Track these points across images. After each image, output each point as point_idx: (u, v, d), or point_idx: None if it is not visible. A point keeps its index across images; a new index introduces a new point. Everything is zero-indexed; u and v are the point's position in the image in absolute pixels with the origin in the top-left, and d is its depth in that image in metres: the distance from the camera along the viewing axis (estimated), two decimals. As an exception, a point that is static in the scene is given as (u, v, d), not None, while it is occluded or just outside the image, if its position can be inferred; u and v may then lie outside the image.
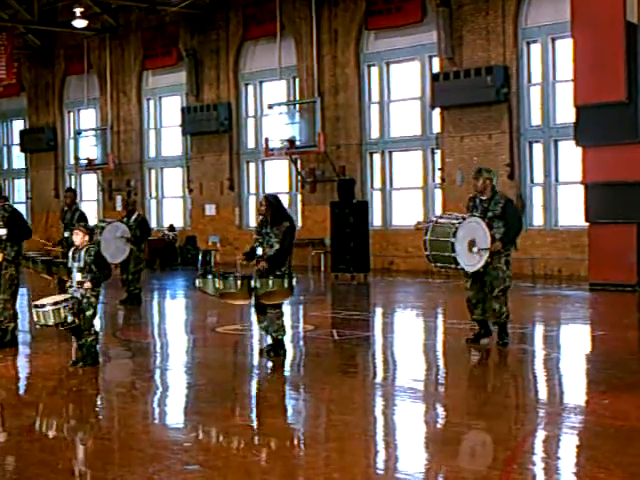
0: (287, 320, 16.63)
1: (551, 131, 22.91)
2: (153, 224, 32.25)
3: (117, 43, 32.74)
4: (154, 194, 32.71)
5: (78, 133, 34.54)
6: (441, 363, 11.94)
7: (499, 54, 23.07)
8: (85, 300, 10.98)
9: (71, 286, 11.12)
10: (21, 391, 10.45)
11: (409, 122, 25.73)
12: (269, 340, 11.90)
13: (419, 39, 24.96)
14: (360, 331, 14.44)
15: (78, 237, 11.20)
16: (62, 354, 12.27)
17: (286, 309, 18.11)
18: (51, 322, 10.99)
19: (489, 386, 10.21)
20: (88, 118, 34.98)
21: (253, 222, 29.24)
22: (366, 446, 7.83)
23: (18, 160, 38.50)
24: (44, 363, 11.98)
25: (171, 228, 29.69)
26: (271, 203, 11.59)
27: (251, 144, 29.28)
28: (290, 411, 9.35)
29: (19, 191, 38.12)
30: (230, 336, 13.99)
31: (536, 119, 23.27)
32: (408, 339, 11.95)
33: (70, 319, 10.92)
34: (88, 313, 11.02)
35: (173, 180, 32.11)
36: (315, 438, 8.20)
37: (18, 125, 38.23)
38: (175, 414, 9.48)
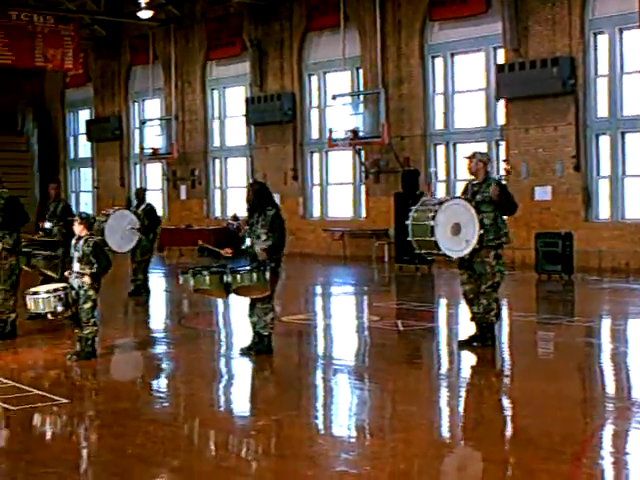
0: (350, 311, 16.78)
1: (618, 123, 22.61)
2: (217, 213, 32.48)
3: (182, 34, 32.91)
4: (218, 184, 32.86)
5: (143, 123, 34.80)
6: (506, 355, 11.86)
7: (565, 45, 22.81)
8: (82, 292, 10.95)
9: (74, 274, 11.04)
10: (87, 376, 10.56)
11: (474, 113, 25.57)
12: (254, 337, 11.42)
13: (484, 30, 24.75)
14: (425, 322, 14.40)
15: (77, 227, 11.19)
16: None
17: (343, 300, 18.31)
18: (41, 310, 11.06)
19: (556, 380, 10.12)
20: (153, 108, 35.22)
21: (317, 212, 29.29)
22: (432, 437, 7.82)
23: (84, 149, 38.90)
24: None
25: (235, 217, 29.78)
26: (255, 190, 11.27)
27: (315, 135, 29.28)
28: (355, 401, 9.35)
29: (85, 180, 38.50)
30: (295, 325, 14.01)
31: (603, 111, 22.97)
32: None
33: (60, 309, 10.93)
34: (86, 306, 10.94)
35: (237, 170, 32.22)
36: (380, 428, 8.21)
37: (84, 115, 38.61)
38: (241, 402, 9.54)
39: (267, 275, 10.77)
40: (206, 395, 9.61)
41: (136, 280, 17.82)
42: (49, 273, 13.94)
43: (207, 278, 10.88)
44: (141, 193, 18.64)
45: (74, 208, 27.75)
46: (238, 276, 10.77)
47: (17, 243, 12.70)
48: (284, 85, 29.39)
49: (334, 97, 27.40)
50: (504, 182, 22.19)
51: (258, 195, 11.22)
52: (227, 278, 10.82)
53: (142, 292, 17.83)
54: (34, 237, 15.67)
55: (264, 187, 11.48)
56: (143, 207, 17.96)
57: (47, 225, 16.19)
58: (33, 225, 18.35)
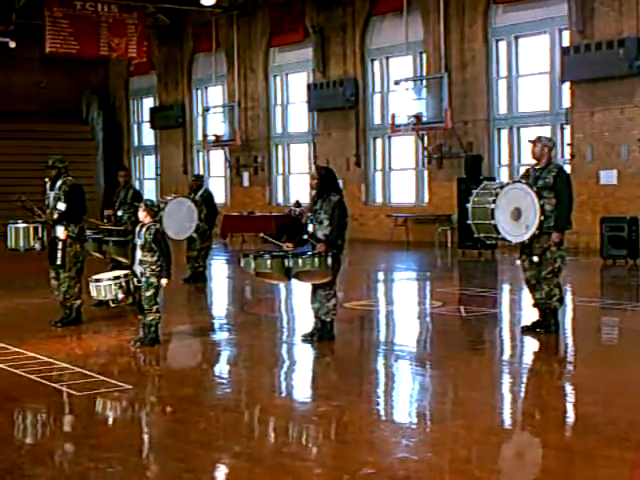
0: (413, 297, 16.74)
1: (686, 105, 22.26)
2: (279, 200, 32.55)
3: (245, 20, 32.99)
4: (281, 170, 32.93)
5: (206, 110, 34.96)
6: (570, 341, 11.74)
7: (632, 26, 22.44)
8: (144, 279, 11.02)
9: (141, 262, 11.09)
10: (151, 362, 10.65)
11: (538, 97, 25.31)
12: (315, 323, 11.43)
13: (549, 12, 24.47)
14: (487, 308, 14.32)
15: (141, 214, 11.25)
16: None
17: (406, 286, 18.26)
18: (103, 297, 11.18)
19: (620, 366, 10.01)
20: (216, 95, 35.37)
21: (379, 198, 29.24)
22: (493, 424, 7.77)
23: (148, 137, 39.20)
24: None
25: (297, 204, 29.84)
26: (321, 175, 11.20)
27: (377, 120, 29.20)
28: (416, 387, 9.33)
29: (149, 167, 38.82)
30: (357, 311, 14.01)
31: (671, 93, 22.64)
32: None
33: (120, 296, 11.03)
34: (148, 293, 11.00)
35: (300, 156, 32.26)
36: (442, 415, 8.18)
37: (148, 102, 38.90)
38: (302, 388, 9.56)
39: (329, 261, 10.77)
40: (267, 381, 9.65)
41: (198, 267, 17.79)
42: (120, 259, 14.09)
43: (268, 262, 10.90)
44: (198, 180, 18.61)
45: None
46: (300, 260, 10.79)
47: (82, 231, 12.85)
48: (346, 71, 29.34)
49: (397, 82, 27.28)
50: (567, 167, 22.04)
51: (324, 180, 11.18)
52: (289, 262, 10.84)
53: (200, 280, 17.80)
54: (105, 224, 15.79)
55: (330, 172, 11.40)
56: (200, 194, 17.87)
57: (119, 213, 16.30)
58: (99, 213, 18.56)
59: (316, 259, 10.75)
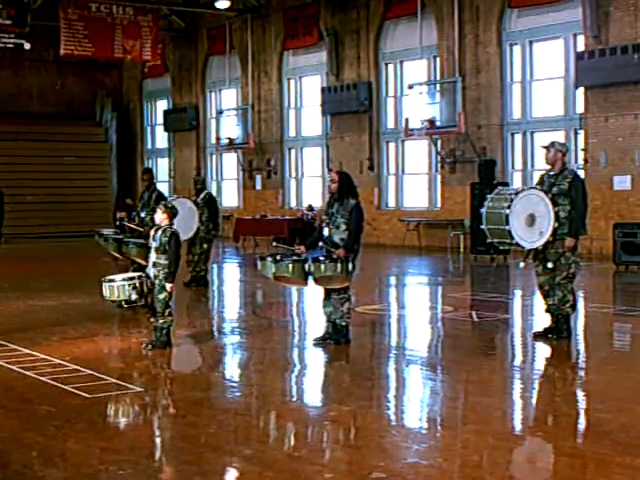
0: (424, 301, 16.72)
1: (701, 111, 22.20)
2: (292, 204, 32.56)
3: (259, 23, 33.03)
4: (294, 173, 32.95)
5: (220, 113, 35.02)
6: (582, 347, 11.70)
7: (647, 31, 22.43)
8: (157, 282, 11.01)
9: (155, 264, 11.10)
10: (162, 365, 10.66)
11: (552, 102, 25.27)
12: (327, 327, 11.45)
13: (563, 17, 24.44)
14: (499, 313, 14.28)
15: (158, 216, 11.23)
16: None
17: (418, 290, 18.24)
18: (116, 298, 11.17)
19: (633, 373, 9.96)
20: (229, 98, 35.42)
21: (392, 202, 29.21)
22: (504, 429, 7.75)
23: (161, 139, 39.27)
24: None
25: (310, 208, 29.86)
26: (341, 179, 11.18)
27: (391, 124, 29.20)
28: (428, 392, 9.31)
29: (163, 170, 38.87)
30: (369, 316, 14.00)
31: (686, 99, 22.57)
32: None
33: (134, 297, 11.03)
34: (161, 295, 10.99)
35: (313, 159, 32.27)
36: (453, 420, 8.16)
37: (162, 105, 38.98)
38: (313, 392, 9.55)
39: (350, 267, 10.82)
40: (279, 385, 9.64)
41: (200, 271, 17.64)
42: (140, 261, 14.06)
43: (290, 266, 10.91)
44: (200, 182, 18.47)
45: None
46: (322, 266, 10.81)
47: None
48: (360, 74, 29.34)
49: (411, 86, 27.27)
50: (580, 172, 21.97)
51: (342, 184, 11.19)
52: (310, 267, 10.85)
53: (202, 283, 17.70)
54: (130, 224, 15.73)
55: (348, 177, 11.41)
56: (202, 196, 17.75)
57: (142, 214, 16.26)
58: (112, 215, 18.62)
59: (338, 265, 10.76)
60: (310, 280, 10.99)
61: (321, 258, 10.84)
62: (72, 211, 36.06)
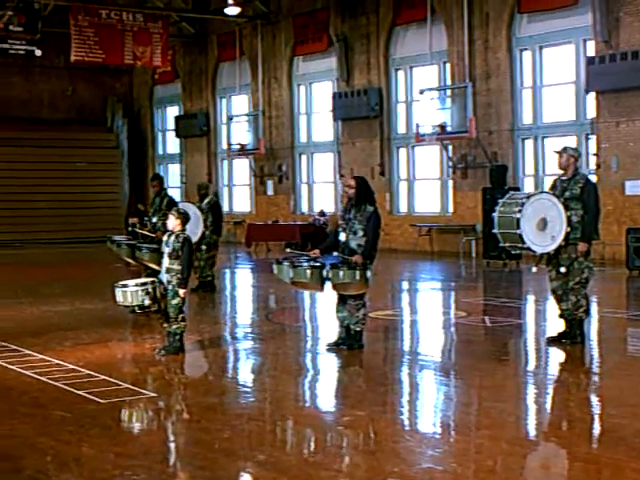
0: (437, 307, 16.70)
1: None
2: (304, 209, 32.57)
3: (269, 29, 33.07)
4: (305, 179, 32.95)
5: (230, 119, 35.06)
6: (596, 352, 11.67)
7: (657, 36, 22.39)
8: (170, 287, 11.03)
9: (168, 270, 11.12)
10: (175, 370, 10.66)
11: (563, 107, 25.23)
12: (341, 333, 11.45)
13: (573, 22, 24.40)
14: (512, 318, 14.26)
15: (171, 222, 11.25)
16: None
17: (430, 296, 18.23)
18: (129, 303, 11.18)
19: (646, 377, 9.96)
20: (240, 104, 35.45)
21: (404, 208, 29.20)
22: (518, 434, 7.73)
23: (172, 145, 39.33)
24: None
25: (322, 213, 29.87)
26: (359, 184, 11.19)
27: (402, 129, 29.19)
28: (441, 397, 9.29)
29: (174, 176, 38.91)
30: (382, 321, 13.98)
31: (697, 103, 22.51)
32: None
33: (147, 303, 11.04)
34: (174, 301, 11.01)
35: (324, 165, 32.28)
36: (466, 425, 8.14)
37: (173, 111, 39.03)
38: (327, 397, 9.55)
39: (368, 274, 10.82)
40: (292, 390, 9.64)
41: (207, 276, 17.63)
42: (153, 266, 14.04)
43: (308, 272, 10.94)
44: (204, 187, 18.43)
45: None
46: (340, 272, 10.82)
47: None
48: (371, 80, 29.35)
49: (421, 92, 27.26)
50: (592, 177, 21.93)
51: (360, 190, 11.20)
52: (327, 273, 10.87)
53: (209, 289, 17.67)
54: (142, 230, 15.69)
55: (366, 183, 11.42)
56: (207, 201, 17.75)
57: (153, 219, 16.26)
58: (124, 220, 18.60)
59: (357, 272, 10.77)
60: (326, 286, 11.00)
61: (339, 264, 10.84)
62: (83, 217, 36.12)
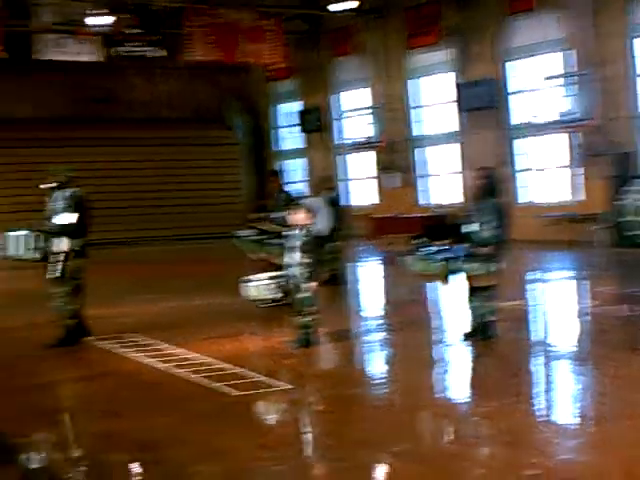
0: (568, 296, 16.45)
1: None
2: (427, 201, 32.40)
3: (382, 23, 32.97)
4: (426, 171, 32.79)
5: (347, 113, 35.11)
6: None
7: None
8: (299, 281, 11.08)
9: (290, 265, 11.20)
10: (308, 362, 10.74)
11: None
12: (473, 323, 11.41)
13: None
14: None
15: (297, 216, 11.32)
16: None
17: (561, 285, 17.96)
18: (259, 297, 11.26)
19: None
20: (356, 98, 35.45)
21: (529, 197, 28.80)
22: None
23: (290, 141, 39.54)
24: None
25: (445, 205, 29.71)
26: (484, 177, 11.17)
27: (523, 119, 28.80)
28: (576, 387, 9.17)
29: (295, 171, 39.13)
30: (513, 311, 13.75)
31: None
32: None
33: (278, 296, 11.11)
34: (304, 295, 11.07)
35: (445, 157, 32.07)
36: (604, 415, 8.01)
37: (289, 107, 39.23)
38: (460, 388, 9.50)
39: (497, 265, 10.80)
40: (426, 381, 9.62)
41: (334, 270, 17.70)
42: (279, 261, 14.06)
43: (436, 263, 10.96)
44: (327, 181, 18.45)
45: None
46: (469, 263, 10.81)
47: (84, 245, 12.07)
48: (487, 70, 29.04)
49: (541, 80, 26.86)
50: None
51: (488, 182, 11.17)
52: (456, 264, 10.84)
53: (338, 282, 17.75)
54: (265, 225, 15.82)
55: (493, 173, 11.41)
56: (329, 195, 17.86)
57: (277, 214, 16.35)
58: (245, 216, 18.73)
59: (484, 262, 10.73)
60: (454, 277, 10.96)
61: (468, 255, 10.80)
62: (205, 214, 36.57)
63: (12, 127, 34.78)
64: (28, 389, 9.66)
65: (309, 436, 7.89)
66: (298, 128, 37.61)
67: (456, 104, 29.90)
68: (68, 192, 12.05)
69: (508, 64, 28.82)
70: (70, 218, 11.85)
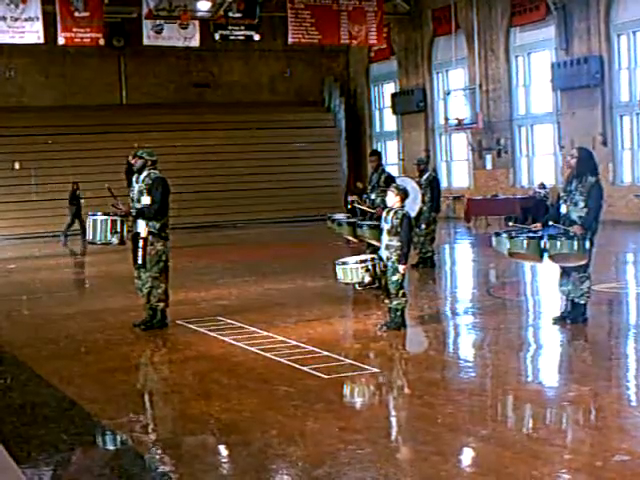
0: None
1: None
2: (524, 182, 32.05)
3: (484, 1, 32.60)
4: (524, 152, 32.40)
5: (447, 93, 34.86)
6: None
7: None
8: (390, 264, 11.03)
9: (387, 246, 11.14)
10: (397, 346, 10.70)
11: None
12: (565, 306, 11.25)
13: None
14: None
15: (390, 198, 11.24)
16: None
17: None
18: (350, 280, 11.20)
19: None
20: (456, 78, 35.17)
21: (628, 178, 28.29)
22: None
23: (389, 122, 39.43)
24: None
25: (542, 185, 29.32)
26: (581, 155, 10.94)
27: (625, 97, 28.23)
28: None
29: (392, 153, 39.04)
30: (606, 294, 13.58)
31: None
32: None
33: (367, 279, 11.03)
34: (394, 277, 11.01)
35: (543, 137, 31.64)
36: (700, 401, 7.84)
37: (389, 88, 39.11)
38: (550, 372, 9.38)
39: (587, 244, 10.57)
40: (515, 365, 9.51)
41: (426, 252, 17.64)
42: (374, 242, 14.07)
43: (525, 242, 10.80)
44: (423, 163, 18.34)
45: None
46: (558, 243, 10.61)
47: (163, 227, 11.93)
48: (591, 48, 28.50)
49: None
50: None
51: (582, 161, 10.97)
52: (545, 244, 10.68)
53: (429, 264, 17.66)
54: (361, 206, 15.75)
55: (589, 153, 11.19)
56: (426, 177, 17.78)
57: (372, 196, 16.30)
58: (343, 198, 18.77)
59: (575, 242, 10.53)
60: (545, 257, 10.79)
61: (557, 235, 10.63)
62: (303, 196, 36.77)
63: (114, 112, 35.52)
64: (118, 371, 9.80)
65: (395, 420, 7.87)
66: (396, 109, 37.42)
67: (555, 82, 29.36)
68: (144, 174, 11.92)
69: (615, 40, 28.20)
70: (145, 201, 11.77)
